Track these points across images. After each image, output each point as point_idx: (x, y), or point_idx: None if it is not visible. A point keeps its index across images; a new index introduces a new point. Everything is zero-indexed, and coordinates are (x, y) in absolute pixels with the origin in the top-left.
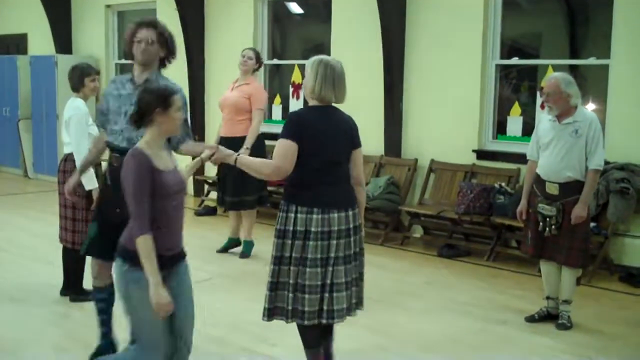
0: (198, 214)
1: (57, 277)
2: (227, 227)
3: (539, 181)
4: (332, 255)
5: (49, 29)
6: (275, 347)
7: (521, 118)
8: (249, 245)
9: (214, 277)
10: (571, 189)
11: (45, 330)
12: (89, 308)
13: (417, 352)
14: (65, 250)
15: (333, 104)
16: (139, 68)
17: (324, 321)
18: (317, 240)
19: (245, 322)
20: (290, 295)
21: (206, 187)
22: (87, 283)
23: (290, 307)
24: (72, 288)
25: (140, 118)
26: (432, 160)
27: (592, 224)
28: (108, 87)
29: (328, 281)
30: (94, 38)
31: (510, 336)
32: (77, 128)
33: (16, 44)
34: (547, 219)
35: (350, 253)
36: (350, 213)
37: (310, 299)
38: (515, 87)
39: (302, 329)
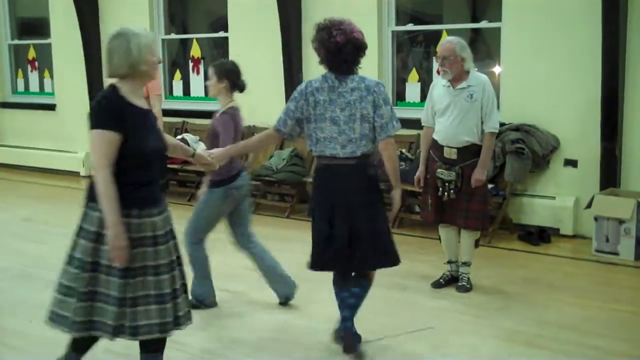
0: None
1: None
2: None
3: (436, 147)
4: None
5: None
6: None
7: (419, 84)
8: None
9: None
10: (469, 152)
11: None
12: None
13: (319, 323)
14: None
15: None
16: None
17: None
18: None
19: None
20: None
21: None
22: None
23: None
24: None
25: None
26: None
27: (490, 186)
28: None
29: None
30: None
31: (410, 301)
32: None
33: None
34: (446, 184)
35: None
36: None
37: None
38: (422, 54)
39: None
